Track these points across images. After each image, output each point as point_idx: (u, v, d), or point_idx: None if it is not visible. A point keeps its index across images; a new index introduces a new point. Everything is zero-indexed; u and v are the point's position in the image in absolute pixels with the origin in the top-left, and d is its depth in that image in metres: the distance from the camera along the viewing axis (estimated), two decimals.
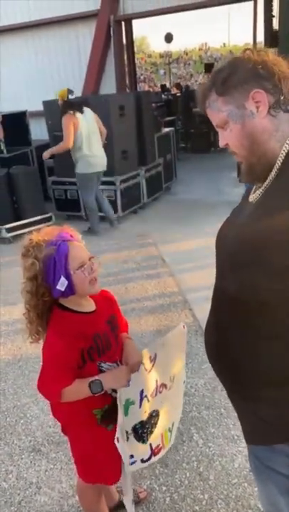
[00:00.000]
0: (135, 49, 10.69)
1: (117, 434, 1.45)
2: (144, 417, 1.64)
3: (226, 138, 1.15)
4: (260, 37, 5.38)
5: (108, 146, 5.67)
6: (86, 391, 1.42)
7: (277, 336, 1.10)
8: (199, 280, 3.86)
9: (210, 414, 2.50)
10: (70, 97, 5.11)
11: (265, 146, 1.10)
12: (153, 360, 1.62)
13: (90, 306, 1.51)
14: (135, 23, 9.21)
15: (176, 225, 5.63)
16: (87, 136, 5.10)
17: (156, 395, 1.65)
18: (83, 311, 1.48)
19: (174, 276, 4.29)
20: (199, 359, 2.94)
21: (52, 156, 5.46)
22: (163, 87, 15.95)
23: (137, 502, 1.98)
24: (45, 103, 6.09)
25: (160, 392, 1.67)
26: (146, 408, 1.63)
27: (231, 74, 1.09)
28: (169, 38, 19.63)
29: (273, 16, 4.94)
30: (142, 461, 1.69)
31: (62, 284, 1.36)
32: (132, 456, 1.64)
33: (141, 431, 1.64)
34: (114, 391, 1.50)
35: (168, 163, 7.32)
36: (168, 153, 7.36)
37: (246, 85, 1.08)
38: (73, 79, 8.37)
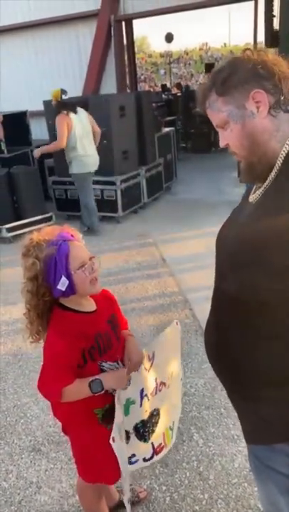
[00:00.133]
0: (136, 49, 10.69)
1: (113, 434, 1.45)
2: (145, 416, 1.64)
3: (226, 138, 1.15)
4: (261, 37, 5.36)
5: (108, 146, 5.68)
6: (86, 390, 1.42)
7: (277, 336, 1.10)
8: (199, 280, 3.86)
9: (210, 414, 2.50)
10: (64, 97, 5.15)
11: (265, 146, 1.10)
12: (151, 359, 1.63)
13: (90, 305, 1.52)
14: (136, 22, 9.21)
15: (177, 225, 5.63)
16: (81, 137, 5.14)
17: (156, 393, 1.66)
18: (84, 311, 1.48)
19: (174, 276, 4.29)
20: (199, 359, 2.95)
21: (50, 156, 5.49)
22: (163, 87, 15.95)
23: (137, 502, 1.99)
24: (46, 103, 6.08)
25: (160, 391, 1.68)
26: (147, 407, 1.64)
27: (231, 74, 1.09)
28: (169, 37, 19.64)
29: (274, 16, 4.92)
30: (144, 460, 1.70)
31: (63, 284, 1.36)
32: (133, 455, 1.65)
33: (142, 430, 1.64)
34: (115, 390, 1.51)
35: (168, 163, 7.32)
36: (168, 153, 7.36)
37: (246, 85, 1.08)
38: (74, 79, 8.37)
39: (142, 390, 1.60)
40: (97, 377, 1.43)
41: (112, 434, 1.45)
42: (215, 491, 2.04)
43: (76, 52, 8.54)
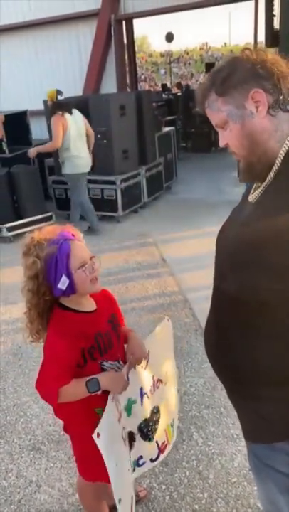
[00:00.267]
0: (136, 48, 10.68)
1: (98, 430, 1.35)
2: (147, 414, 1.65)
3: (225, 138, 1.16)
4: (261, 36, 5.36)
5: (108, 145, 5.67)
6: (83, 390, 1.41)
7: (277, 336, 1.10)
8: (199, 280, 3.86)
9: (210, 414, 2.51)
10: (59, 97, 5.18)
11: (264, 146, 1.10)
12: (147, 356, 1.63)
13: (90, 305, 1.52)
14: (136, 22, 9.21)
15: (177, 225, 5.63)
16: (75, 138, 5.16)
17: (154, 390, 1.67)
18: (84, 311, 1.49)
19: (174, 276, 4.29)
20: (199, 358, 2.95)
21: (50, 155, 5.49)
22: (164, 86, 15.92)
23: (137, 501, 1.99)
24: (46, 103, 6.09)
25: (158, 388, 1.69)
26: (147, 405, 1.64)
27: (230, 74, 1.09)
28: (169, 37, 19.61)
29: (274, 16, 4.91)
30: (151, 460, 1.71)
31: (63, 283, 1.37)
32: (140, 457, 1.66)
33: (146, 429, 1.65)
34: None
35: (168, 163, 7.32)
36: (168, 152, 7.36)
37: (246, 85, 1.08)
38: (74, 78, 8.37)
39: (141, 389, 1.61)
40: (94, 376, 1.42)
41: (97, 430, 1.35)
42: (214, 490, 2.04)
43: (76, 51, 8.54)
